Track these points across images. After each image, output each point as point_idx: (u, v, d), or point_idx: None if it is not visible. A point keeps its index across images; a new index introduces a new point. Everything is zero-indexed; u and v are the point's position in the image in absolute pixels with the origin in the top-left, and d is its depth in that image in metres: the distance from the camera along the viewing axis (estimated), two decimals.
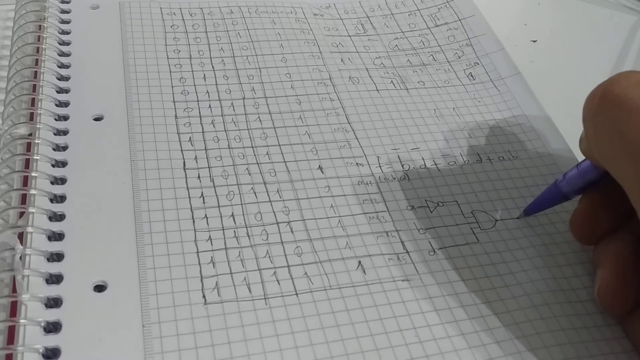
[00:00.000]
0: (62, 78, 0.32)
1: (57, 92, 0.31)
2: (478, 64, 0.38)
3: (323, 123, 0.33)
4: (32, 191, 0.27)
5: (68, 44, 0.34)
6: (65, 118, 0.31)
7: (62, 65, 0.33)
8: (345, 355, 0.24)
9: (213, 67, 0.35)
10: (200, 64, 0.35)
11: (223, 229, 0.27)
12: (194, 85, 0.34)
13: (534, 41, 0.42)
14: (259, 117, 0.33)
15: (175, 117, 0.32)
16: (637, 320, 0.25)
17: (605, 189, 0.26)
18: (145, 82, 0.33)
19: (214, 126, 0.32)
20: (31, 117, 0.30)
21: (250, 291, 0.25)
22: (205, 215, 0.28)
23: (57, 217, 0.26)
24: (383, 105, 0.34)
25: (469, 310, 0.26)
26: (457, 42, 0.39)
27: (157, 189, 0.28)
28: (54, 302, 0.24)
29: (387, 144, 0.32)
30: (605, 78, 0.24)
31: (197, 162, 0.30)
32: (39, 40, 0.33)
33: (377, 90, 0.35)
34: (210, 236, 0.27)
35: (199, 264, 0.26)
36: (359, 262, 0.27)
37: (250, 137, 0.31)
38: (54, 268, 0.25)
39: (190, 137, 0.31)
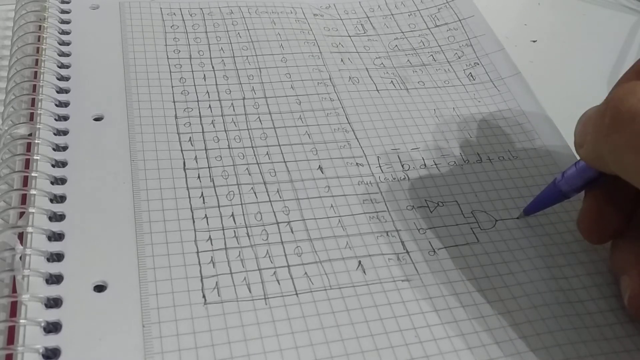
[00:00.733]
0: (62, 78, 0.32)
1: (57, 92, 0.31)
2: (478, 64, 0.38)
3: (323, 123, 0.33)
4: (32, 191, 0.27)
5: (68, 44, 0.34)
6: (65, 118, 0.31)
7: (62, 65, 0.33)
8: (345, 355, 0.24)
9: (213, 67, 0.35)
10: (200, 64, 0.35)
11: (223, 229, 0.27)
12: (194, 85, 0.34)
13: (534, 41, 0.42)
14: (259, 117, 0.33)
15: (175, 117, 0.32)
16: None
17: (609, 186, 0.26)
18: (145, 82, 0.33)
19: (214, 126, 0.32)
20: (31, 117, 0.30)
21: (250, 291, 0.25)
22: (205, 215, 0.28)
23: (57, 217, 0.26)
24: (383, 105, 0.34)
25: (469, 311, 0.26)
26: (457, 42, 0.39)
27: (157, 189, 0.28)
28: (54, 302, 0.24)
29: (387, 144, 0.32)
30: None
31: (197, 162, 0.30)
32: (39, 40, 0.33)
33: (377, 90, 0.35)
34: (210, 236, 0.27)
35: (199, 264, 0.26)
36: (359, 262, 0.27)
37: (250, 137, 0.31)
38: (54, 268, 0.25)
39: (190, 137, 0.31)
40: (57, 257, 0.25)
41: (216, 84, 0.34)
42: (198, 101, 0.33)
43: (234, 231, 0.27)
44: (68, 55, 0.34)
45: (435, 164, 0.31)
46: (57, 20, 0.35)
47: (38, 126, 0.29)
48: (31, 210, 0.26)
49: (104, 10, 0.37)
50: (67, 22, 0.36)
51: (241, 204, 0.28)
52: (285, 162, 0.31)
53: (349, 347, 0.24)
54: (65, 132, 0.30)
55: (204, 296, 0.25)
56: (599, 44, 0.43)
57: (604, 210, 0.26)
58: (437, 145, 0.32)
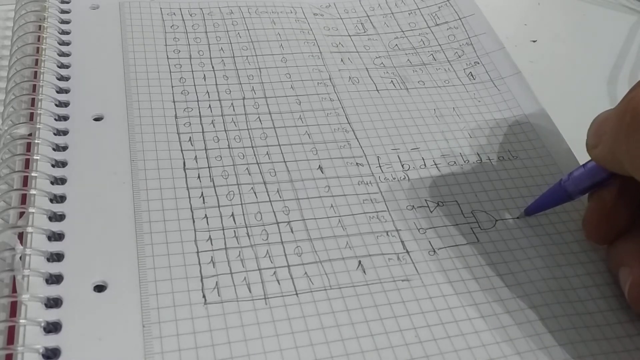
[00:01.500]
0: (62, 78, 0.32)
1: (57, 92, 0.31)
2: (478, 63, 0.38)
3: (323, 123, 0.33)
4: (32, 191, 0.27)
5: (68, 44, 0.34)
6: (65, 118, 0.31)
7: (62, 66, 0.33)
8: (345, 355, 0.24)
9: (213, 67, 0.35)
10: (200, 64, 0.35)
11: (223, 229, 0.27)
12: (194, 85, 0.34)
13: (534, 41, 0.42)
14: (258, 117, 0.33)
15: (175, 117, 0.32)
16: None
17: (615, 187, 0.26)
18: (145, 82, 0.33)
19: (214, 126, 0.32)
20: (31, 117, 0.30)
21: (250, 291, 0.25)
22: (205, 215, 0.28)
23: (57, 217, 0.26)
24: (383, 105, 0.34)
25: (469, 311, 0.26)
26: (457, 41, 0.39)
27: (157, 189, 0.28)
28: (54, 302, 0.24)
29: (387, 144, 0.32)
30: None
31: (197, 162, 0.30)
32: (39, 40, 0.33)
33: (377, 90, 0.35)
34: (210, 236, 0.27)
35: (199, 263, 0.26)
36: (359, 261, 0.27)
37: (250, 137, 0.31)
38: (54, 268, 0.25)
39: (190, 137, 0.31)
40: (57, 257, 0.25)
41: (216, 84, 0.34)
42: (198, 101, 0.33)
43: (234, 231, 0.27)
44: (68, 55, 0.34)
45: (435, 164, 0.31)
46: (57, 20, 0.35)
47: (38, 126, 0.29)
48: (31, 210, 0.26)
49: (104, 10, 0.37)
50: (67, 22, 0.36)
51: (241, 204, 0.28)
52: (285, 162, 0.31)
53: (349, 347, 0.24)
54: (65, 132, 0.30)
55: (204, 296, 0.25)
56: (599, 44, 0.43)
57: (611, 210, 0.26)
58: (437, 145, 0.32)
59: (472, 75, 0.37)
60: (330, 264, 0.27)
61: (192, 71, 0.34)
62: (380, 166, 0.31)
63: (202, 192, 0.29)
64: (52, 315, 0.23)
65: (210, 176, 0.29)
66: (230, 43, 0.37)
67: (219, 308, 0.25)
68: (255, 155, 0.31)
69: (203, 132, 0.31)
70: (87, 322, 0.23)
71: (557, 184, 0.28)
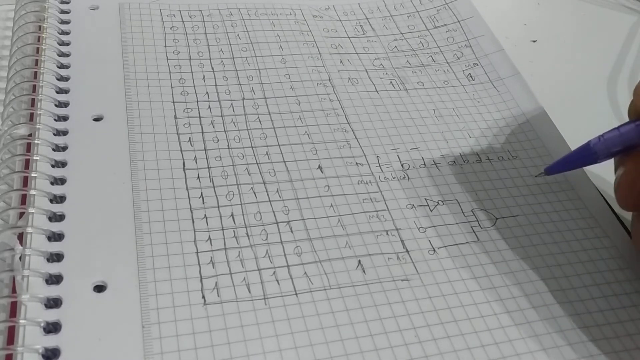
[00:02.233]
0: (61, 78, 0.32)
1: (57, 92, 0.31)
2: (477, 64, 0.38)
3: (322, 123, 0.33)
4: (32, 191, 0.27)
5: (68, 44, 0.34)
6: (65, 118, 0.31)
7: (62, 66, 0.33)
8: (345, 355, 0.24)
9: (212, 68, 0.35)
10: (200, 65, 0.35)
11: (222, 229, 0.27)
12: (194, 86, 0.34)
13: (534, 41, 0.42)
14: (258, 117, 0.33)
15: (175, 117, 0.32)
16: None
17: None
18: (145, 82, 0.33)
19: (213, 127, 0.32)
20: (31, 117, 0.30)
21: (249, 291, 0.25)
22: (205, 215, 0.28)
23: (57, 218, 0.26)
24: (382, 105, 0.34)
25: (469, 311, 0.26)
26: (456, 43, 0.39)
27: (157, 189, 0.28)
28: (53, 303, 0.24)
29: (386, 144, 0.32)
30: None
31: (196, 162, 0.30)
32: (38, 40, 0.33)
33: (377, 91, 0.35)
34: (209, 236, 0.27)
35: (199, 264, 0.26)
36: (359, 261, 0.27)
37: (249, 138, 0.31)
38: (54, 268, 0.25)
39: (189, 138, 0.31)
40: (57, 257, 0.25)
41: (216, 85, 0.34)
42: (197, 102, 0.33)
43: (234, 231, 0.27)
44: (68, 55, 0.34)
45: (435, 164, 0.31)
46: (56, 21, 0.35)
47: (38, 126, 0.29)
48: (31, 210, 0.26)
49: (104, 11, 0.37)
50: (67, 23, 0.36)
51: (241, 204, 0.28)
52: (284, 162, 0.31)
53: (348, 347, 0.24)
54: (65, 132, 0.30)
55: (203, 297, 0.25)
56: (599, 44, 0.43)
57: None
58: (437, 145, 0.32)
59: (471, 76, 0.37)
60: (330, 264, 0.27)
61: (192, 72, 0.34)
62: (380, 166, 0.31)
63: (201, 193, 0.29)
64: (52, 315, 0.23)
65: (209, 176, 0.29)
66: (230, 44, 0.37)
67: (219, 308, 0.25)
68: (254, 155, 0.31)
69: (202, 132, 0.31)
70: (86, 323, 0.23)
71: (585, 145, 0.27)
